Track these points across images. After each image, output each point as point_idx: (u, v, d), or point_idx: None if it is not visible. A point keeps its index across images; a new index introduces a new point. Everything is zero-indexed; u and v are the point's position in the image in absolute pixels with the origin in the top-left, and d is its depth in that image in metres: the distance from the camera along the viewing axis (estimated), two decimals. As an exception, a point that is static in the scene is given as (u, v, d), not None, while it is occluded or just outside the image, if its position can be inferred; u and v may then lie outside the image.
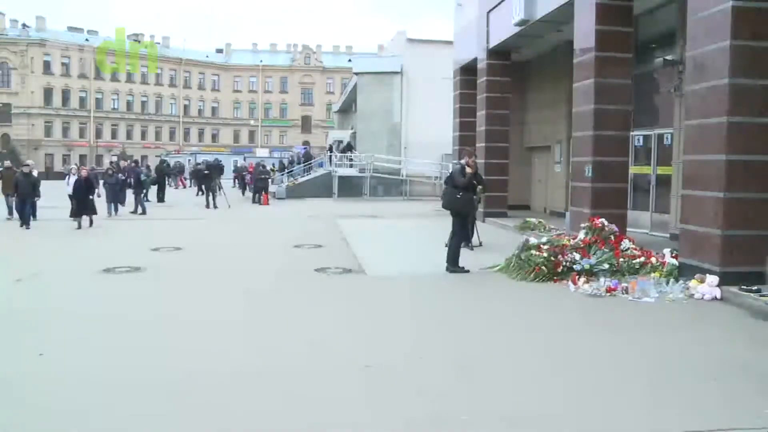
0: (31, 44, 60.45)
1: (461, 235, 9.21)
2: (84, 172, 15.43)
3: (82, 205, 14.47)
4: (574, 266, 8.04)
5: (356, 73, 32.13)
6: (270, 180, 25.85)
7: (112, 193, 17.57)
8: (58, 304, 7.01)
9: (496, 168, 16.01)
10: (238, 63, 73.28)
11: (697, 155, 7.80)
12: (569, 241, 8.77)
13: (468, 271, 8.78)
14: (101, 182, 18.45)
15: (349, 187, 26.72)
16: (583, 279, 7.75)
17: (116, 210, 17.50)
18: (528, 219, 13.81)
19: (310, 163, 31.19)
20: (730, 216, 7.24)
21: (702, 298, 7.07)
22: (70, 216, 14.49)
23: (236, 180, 31.80)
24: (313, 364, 4.86)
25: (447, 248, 9.12)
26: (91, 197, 14.80)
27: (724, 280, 7.12)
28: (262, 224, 16.46)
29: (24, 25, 61.35)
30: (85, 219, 14.48)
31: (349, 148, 30.62)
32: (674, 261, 8.07)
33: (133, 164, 23.62)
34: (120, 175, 19.34)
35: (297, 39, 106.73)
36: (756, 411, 3.90)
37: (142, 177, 20.56)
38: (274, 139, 73.90)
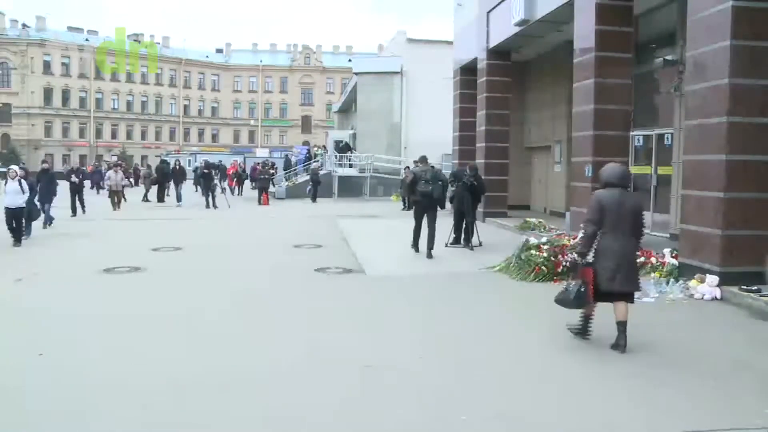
0: (31, 44, 60.47)
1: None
2: None
3: None
4: (574, 266, 8.04)
5: (356, 73, 32.12)
6: (271, 180, 25.85)
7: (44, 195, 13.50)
8: (58, 304, 7.01)
9: (496, 168, 16.01)
10: (238, 63, 73.26)
11: (697, 155, 7.80)
12: (569, 241, 8.76)
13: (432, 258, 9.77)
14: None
15: (349, 187, 26.70)
16: (583, 279, 7.73)
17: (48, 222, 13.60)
18: (528, 219, 13.81)
19: (310, 164, 30.99)
20: (730, 216, 7.24)
21: (702, 298, 7.08)
22: None
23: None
24: (313, 364, 4.86)
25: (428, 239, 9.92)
26: None
27: (724, 280, 7.12)
28: (261, 224, 16.46)
29: (24, 25, 61.36)
30: None
31: (348, 148, 30.53)
32: (674, 261, 8.07)
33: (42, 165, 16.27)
34: (75, 177, 17.71)
35: (297, 39, 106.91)
36: (756, 411, 3.90)
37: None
38: (274, 139, 73.88)
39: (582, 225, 5.34)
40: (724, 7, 7.21)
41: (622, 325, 5.12)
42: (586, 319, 5.33)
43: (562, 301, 5.35)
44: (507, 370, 4.78)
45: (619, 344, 5.09)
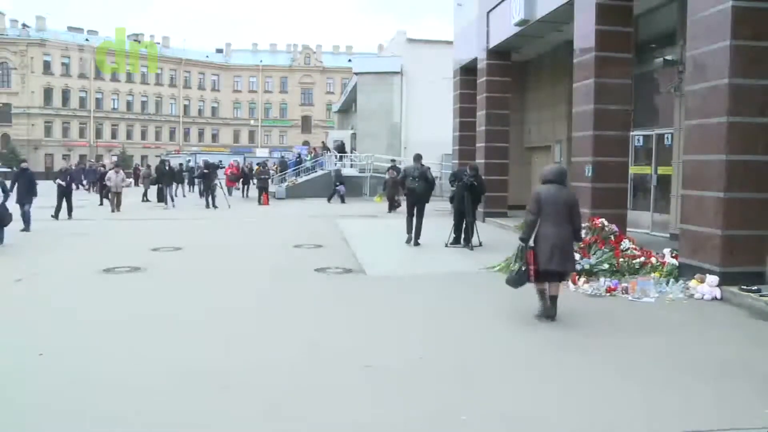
0: (31, 44, 60.44)
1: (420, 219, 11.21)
2: None
3: None
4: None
5: (356, 73, 32.14)
6: (270, 179, 25.76)
7: None
8: (58, 304, 7.01)
9: (496, 168, 16.00)
10: (238, 63, 73.26)
11: (697, 155, 7.80)
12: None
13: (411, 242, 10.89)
14: None
15: (349, 187, 26.67)
16: (583, 279, 7.74)
17: None
18: (528, 219, 13.79)
19: (300, 167, 30.65)
20: (730, 216, 7.24)
21: (702, 298, 7.08)
22: None
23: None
24: (313, 364, 4.86)
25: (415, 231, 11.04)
26: None
27: (724, 280, 7.12)
28: (261, 224, 16.45)
29: (24, 25, 61.33)
30: None
31: (342, 149, 30.29)
32: (674, 261, 8.07)
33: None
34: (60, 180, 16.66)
35: (297, 39, 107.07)
36: (756, 411, 3.90)
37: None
38: (274, 139, 73.88)
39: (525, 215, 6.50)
40: (724, 7, 7.21)
41: (554, 299, 6.04)
42: (541, 293, 6.14)
43: (509, 281, 6.22)
44: (507, 370, 4.78)
45: (549, 314, 6.00)
